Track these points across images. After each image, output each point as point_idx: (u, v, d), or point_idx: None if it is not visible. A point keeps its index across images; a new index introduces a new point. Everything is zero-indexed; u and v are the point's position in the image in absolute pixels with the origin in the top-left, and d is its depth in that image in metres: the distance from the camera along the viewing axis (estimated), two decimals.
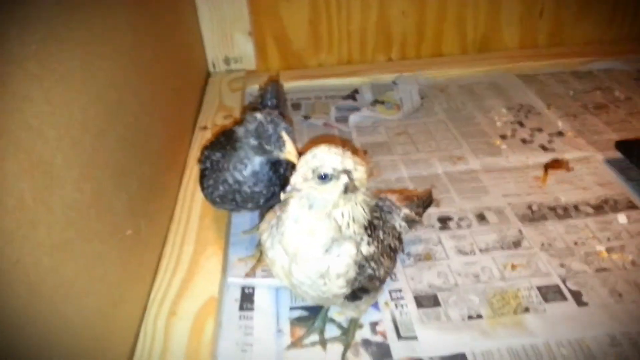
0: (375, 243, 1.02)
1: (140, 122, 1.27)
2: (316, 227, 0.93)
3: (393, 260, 1.12)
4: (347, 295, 1.00)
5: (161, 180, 1.40)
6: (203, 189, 1.24)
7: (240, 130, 1.16)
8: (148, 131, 1.33)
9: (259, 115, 1.12)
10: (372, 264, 1.01)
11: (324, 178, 0.89)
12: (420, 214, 1.26)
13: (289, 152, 1.10)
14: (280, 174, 1.21)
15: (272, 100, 1.64)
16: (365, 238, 0.99)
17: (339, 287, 0.96)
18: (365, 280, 1.00)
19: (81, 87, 0.95)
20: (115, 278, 1.03)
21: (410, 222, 1.21)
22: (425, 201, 1.31)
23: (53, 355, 0.79)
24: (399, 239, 1.16)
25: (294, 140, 1.12)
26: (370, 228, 1.01)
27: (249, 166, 1.16)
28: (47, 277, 0.78)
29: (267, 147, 1.12)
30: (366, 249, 0.98)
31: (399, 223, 1.17)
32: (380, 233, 1.05)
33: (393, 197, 1.22)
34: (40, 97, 0.80)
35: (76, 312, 0.87)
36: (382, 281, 1.08)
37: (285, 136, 1.10)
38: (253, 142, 1.13)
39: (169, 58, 1.66)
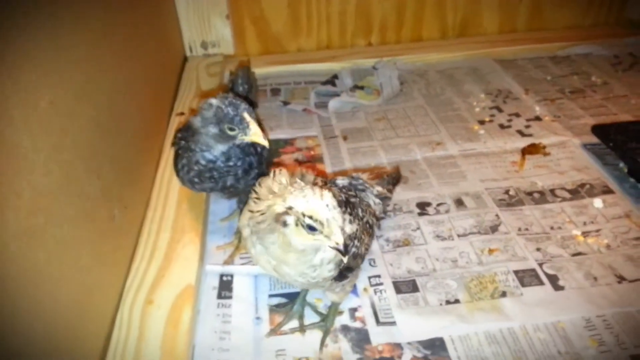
0: (356, 221, 1.02)
1: (113, 104, 1.24)
2: (300, 246, 0.91)
3: (371, 237, 1.14)
4: (335, 276, 1.00)
5: (136, 166, 1.37)
6: (178, 171, 1.21)
7: (196, 121, 1.10)
8: (122, 113, 1.29)
9: (214, 101, 1.07)
10: (356, 241, 1.02)
11: (312, 229, 0.85)
12: (390, 191, 1.29)
13: (254, 133, 1.06)
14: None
15: (244, 86, 1.60)
16: (347, 217, 0.98)
17: (329, 270, 0.96)
18: (350, 259, 0.99)
19: (48, 66, 0.91)
20: (88, 264, 1.00)
21: (383, 199, 1.23)
22: (394, 178, 1.35)
23: (25, 342, 0.77)
24: (375, 216, 1.18)
25: (257, 122, 1.08)
26: (349, 206, 1.01)
27: (215, 150, 1.14)
28: (15, 262, 0.75)
29: (231, 133, 1.07)
30: (349, 228, 0.99)
31: (372, 200, 1.19)
32: (359, 211, 1.06)
33: (364, 176, 1.22)
34: (4, 76, 0.77)
35: (48, 298, 0.84)
36: (363, 259, 1.10)
37: (248, 117, 1.06)
38: (213, 129, 1.08)
39: (143, 40, 1.61)
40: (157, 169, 1.52)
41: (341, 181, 1.16)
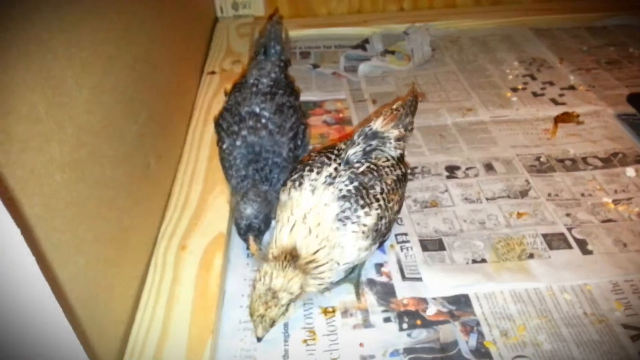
0: (377, 204, 1.05)
1: (149, 56, 1.26)
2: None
3: (402, 190, 1.15)
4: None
5: (169, 119, 1.39)
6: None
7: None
8: (156, 66, 1.31)
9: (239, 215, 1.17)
10: (383, 221, 1.06)
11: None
12: (411, 123, 1.24)
13: (251, 249, 1.18)
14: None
15: (276, 48, 1.43)
16: (360, 212, 1.02)
17: (368, 255, 1.08)
18: (382, 234, 1.08)
19: (90, 7, 0.93)
20: (125, 205, 1.03)
21: (404, 139, 1.21)
22: (411, 106, 1.24)
23: (66, 275, 0.80)
24: (401, 163, 1.17)
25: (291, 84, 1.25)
26: (362, 193, 1.04)
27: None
28: (60, 192, 0.78)
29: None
30: (368, 220, 1.03)
31: (394, 151, 1.17)
32: (380, 184, 1.08)
33: (378, 124, 1.16)
34: (50, 11, 0.79)
35: (89, 233, 0.87)
36: (395, 221, 1.14)
37: (251, 241, 1.16)
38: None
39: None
40: (189, 125, 1.54)
41: (353, 153, 1.10)
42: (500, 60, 1.98)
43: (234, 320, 1.09)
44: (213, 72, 1.80)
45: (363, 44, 2.11)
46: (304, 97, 1.81)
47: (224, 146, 1.23)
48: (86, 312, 0.83)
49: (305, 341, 1.05)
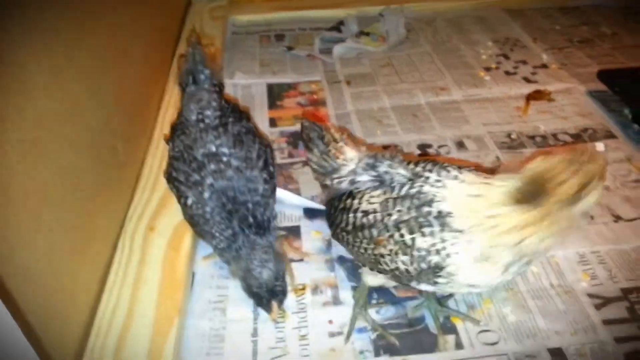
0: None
1: (117, 40, 1.24)
2: None
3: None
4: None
5: (139, 103, 1.38)
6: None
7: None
8: (124, 50, 1.30)
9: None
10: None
11: None
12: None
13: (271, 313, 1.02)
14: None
15: (205, 72, 1.18)
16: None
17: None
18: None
19: None
20: (90, 190, 1.02)
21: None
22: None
23: (26, 260, 0.79)
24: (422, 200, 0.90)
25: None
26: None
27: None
28: (16, 175, 0.77)
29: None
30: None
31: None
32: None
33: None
34: None
35: (50, 217, 0.86)
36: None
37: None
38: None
39: None
40: (159, 109, 1.52)
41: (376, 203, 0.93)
42: (475, 41, 1.99)
43: (204, 300, 1.09)
44: (184, 55, 1.77)
45: (338, 26, 2.09)
46: (278, 79, 1.81)
47: (189, 202, 1.03)
48: (46, 301, 0.82)
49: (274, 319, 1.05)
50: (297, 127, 1.54)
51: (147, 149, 1.37)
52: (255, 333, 1.03)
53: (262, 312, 1.05)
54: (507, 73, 1.78)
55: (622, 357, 0.97)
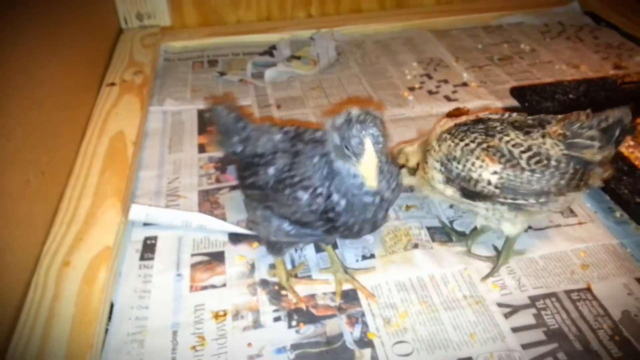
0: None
1: (31, 69, 1.23)
2: None
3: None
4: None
5: (56, 133, 1.36)
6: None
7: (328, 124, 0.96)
8: (40, 80, 1.28)
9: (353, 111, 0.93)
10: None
11: None
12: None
13: (364, 166, 0.90)
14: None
15: (232, 115, 1.17)
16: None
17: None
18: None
19: None
20: None
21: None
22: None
23: None
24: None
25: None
26: None
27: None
28: None
29: (347, 152, 0.91)
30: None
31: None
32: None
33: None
34: None
35: None
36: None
37: (368, 144, 0.88)
38: (336, 140, 0.93)
39: (71, 11, 1.59)
40: (83, 137, 1.51)
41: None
42: (401, 61, 2.06)
43: (121, 333, 1.08)
44: (113, 84, 1.77)
45: (270, 51, 2.14)
46: (209, 105, 1.82)
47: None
48: None
49: (193, 347, 1.05)
50: None
51: (67, 182, 1.35)
52: None
53: (180, 342, 1.05)
54: (430, 92, 1.86)
55: None
